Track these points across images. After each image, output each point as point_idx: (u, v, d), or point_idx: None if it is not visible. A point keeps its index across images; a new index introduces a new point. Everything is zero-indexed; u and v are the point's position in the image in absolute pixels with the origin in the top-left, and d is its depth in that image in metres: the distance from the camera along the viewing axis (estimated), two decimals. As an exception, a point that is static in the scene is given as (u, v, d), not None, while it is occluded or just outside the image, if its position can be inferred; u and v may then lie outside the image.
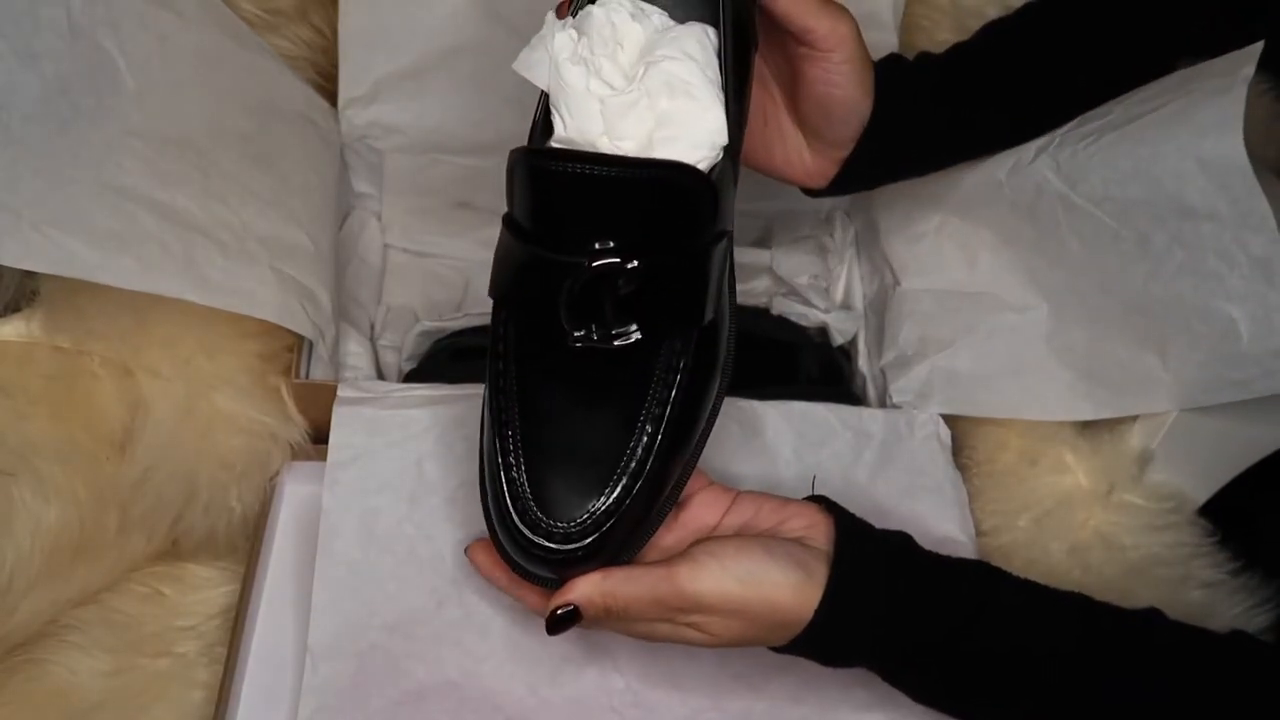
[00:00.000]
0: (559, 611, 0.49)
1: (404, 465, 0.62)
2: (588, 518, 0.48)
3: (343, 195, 0.78)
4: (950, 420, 0.70)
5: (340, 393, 0.64)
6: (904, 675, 0.54)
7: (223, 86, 0.66)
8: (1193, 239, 0.57)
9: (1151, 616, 0.54)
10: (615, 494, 0.48)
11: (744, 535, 0.53)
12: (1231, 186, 0.55)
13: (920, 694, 0.55)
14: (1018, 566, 0.65)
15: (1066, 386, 0.65)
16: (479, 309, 0.76)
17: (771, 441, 0.66)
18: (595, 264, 0.47)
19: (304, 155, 0.71)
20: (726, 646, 0.52)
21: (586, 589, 0.49)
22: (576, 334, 0.48)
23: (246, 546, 0.65)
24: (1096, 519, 0.64)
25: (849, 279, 0.81)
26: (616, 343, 0.49)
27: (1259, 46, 0.55)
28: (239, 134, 0.66)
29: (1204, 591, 0.64)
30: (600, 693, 0.58)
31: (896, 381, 0.72)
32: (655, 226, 0.48)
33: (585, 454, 0.49)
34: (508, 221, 0.51)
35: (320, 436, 0.65)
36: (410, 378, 0.74)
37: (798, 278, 0.80)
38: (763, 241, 0.82)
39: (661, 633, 0.52)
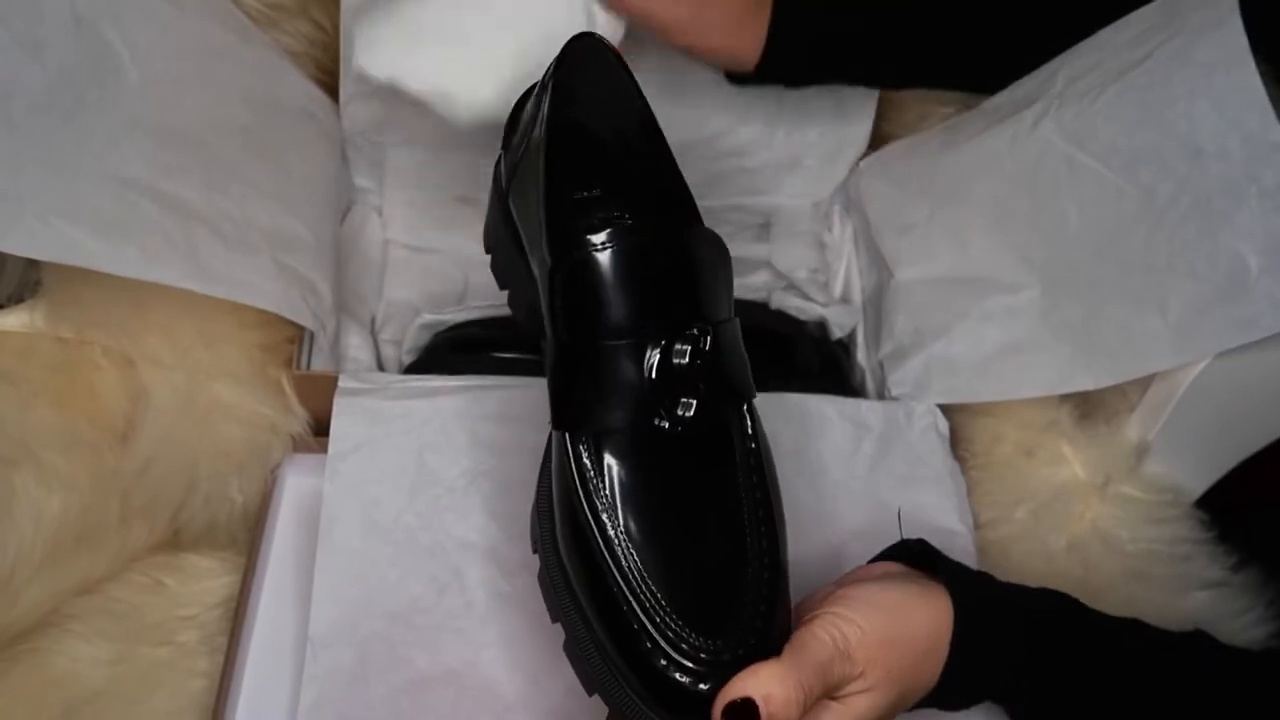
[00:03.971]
0: (737, 704, 0.42)
1: (405, 455, 0.62)
2: (743, 626, 0.45)
3: (343, 190, 0.78)
4: (947, 412, 0.70)
5: (341, 383, 0.64)
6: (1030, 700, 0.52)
7: (225, 80, 0.66)
8: (1200, 182, 0.57)
9: (1200, 638, 0.54)
10: (755, 590, 0.46)
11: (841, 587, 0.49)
12: (1245, 121, 0.54)
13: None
14: (1016, 560, 0.65)
15: (1065, 360, 0.64)
16: (479, 302, 0.76)
17: (770, 434, 0.67)
18: (678, 335, 0.47)
19: (305, 149, 0.72)
20: (891, 704, 0.47)
21: (765, 678, 0.42)
22: (667, 416, 0.47)
23: (247, 537, 0.65)
24: (1094, 511, 0.64)
25: (847, 273, 0.81)
26: (696, 419, 0.47)
27: None
28: (241, 127, 0.66)
29: (1206, 593, 0.63)
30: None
31: (894, 373, 0.72)
32: (709, 299, 0.49)
33: (714, 564, 0.47)
34: (566, 344, 0.49)
35: (321, 428, 0.65)
36: (410, 370, 0.74)
37: (796, 272, 0.80)
38: (761, 236, 0.82)
39: None
